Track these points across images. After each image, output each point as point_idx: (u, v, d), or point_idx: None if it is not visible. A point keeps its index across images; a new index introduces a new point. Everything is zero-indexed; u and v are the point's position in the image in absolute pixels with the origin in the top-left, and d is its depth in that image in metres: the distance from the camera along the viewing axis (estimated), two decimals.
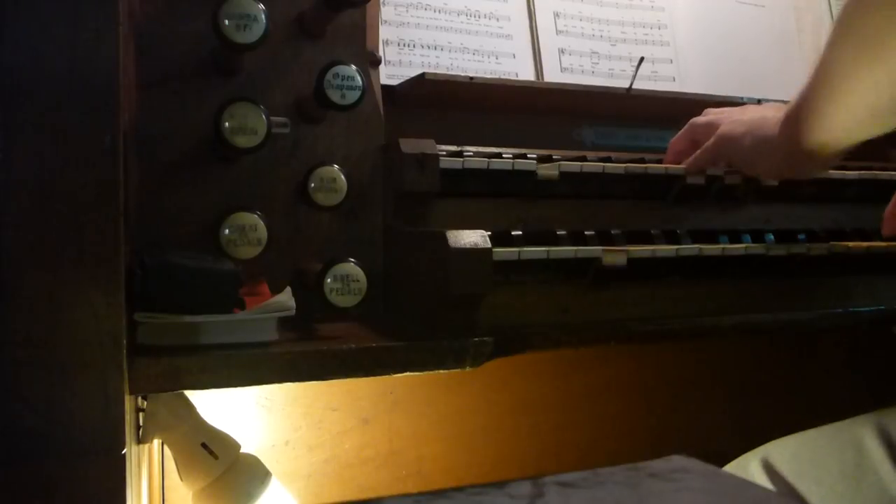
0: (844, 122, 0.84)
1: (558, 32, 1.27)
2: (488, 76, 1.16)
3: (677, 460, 0.70)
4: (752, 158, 0.99)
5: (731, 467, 1.06)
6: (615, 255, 0.88)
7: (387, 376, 0.80)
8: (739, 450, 1.08)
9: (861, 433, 0.99)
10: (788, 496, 0.95)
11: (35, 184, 0.64)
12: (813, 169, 0.98)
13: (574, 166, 0.99)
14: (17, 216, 0.63)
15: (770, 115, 0.96)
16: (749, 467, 1.03)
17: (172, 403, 0.92)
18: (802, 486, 0.97)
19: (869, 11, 0.76)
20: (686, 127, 1.10)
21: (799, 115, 0.88)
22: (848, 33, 0.79)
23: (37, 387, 0.63)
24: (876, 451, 0.97)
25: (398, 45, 1.16)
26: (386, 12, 1.15)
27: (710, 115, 1.08)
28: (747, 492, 0.65)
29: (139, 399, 0.89)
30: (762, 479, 1.00)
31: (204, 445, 0.94)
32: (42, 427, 0.63)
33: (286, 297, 0.79)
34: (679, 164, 1.07)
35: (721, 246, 0.96)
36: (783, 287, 1.02)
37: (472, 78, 1.09)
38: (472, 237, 0.80)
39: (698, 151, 1.04)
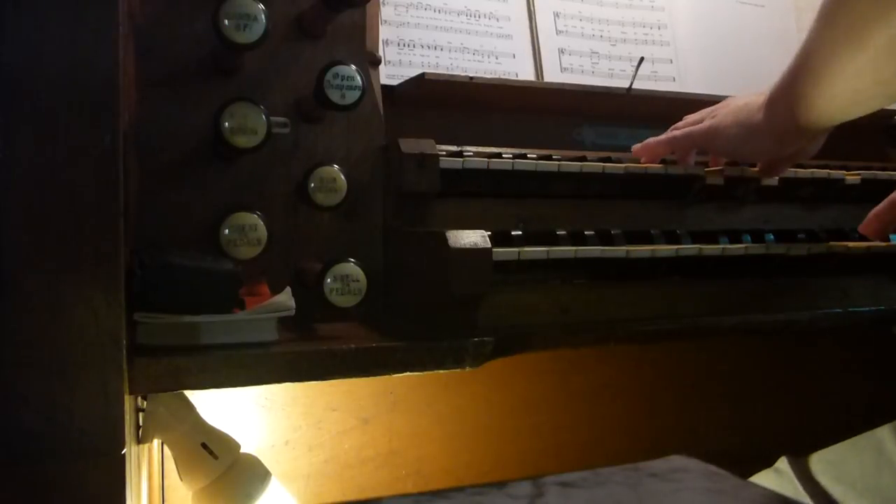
0: (829, 107, 0.86)
1: (558, 32, 1.27)
2: (488, 76, 1.16)
3: (677, 460, 0.70)
4: (739, 144, 0.99)
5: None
6: (615, 255, 0.88)
7: (387, 376, 0.80)
8: (739, 450, 1.09)
9: (881, 436, 1.02)
10: (788, 496, 0.96)
11: (35, 184, 0.64)
12: (804, 146, 0.99)
13: (574, 166, 0.99)
14: (16, 216, 0.63)
15: (752, 101, 0.97)
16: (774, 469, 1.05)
17: (172, 403, 0.92)
18: (824, 482, 0.99)
19: (851, 1, 0.77)
20: (666, 138, 1.08)
21: (784, 98, 0.90)
22: (831, 23, 0.80)
23: (37, 387, 0.63)
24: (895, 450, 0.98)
25: (398, 45, 1.16)
26: (386, 12, 1.15)
27: (689, 120, 1.09)
28: (747, 491, 0.65)
29: (139, 399, 0.89)
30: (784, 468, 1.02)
31: (204, 445, 0.94)
32: (42, 427, 0.63)
33: (286, 297, 0.79)
34: None
35: (721, 246, 0.96)
36: (783, 287, 1.02)
37: (471, 78, 1.09)
38: (472, 237, 0.80)
39: (681, 132, 1.05)
